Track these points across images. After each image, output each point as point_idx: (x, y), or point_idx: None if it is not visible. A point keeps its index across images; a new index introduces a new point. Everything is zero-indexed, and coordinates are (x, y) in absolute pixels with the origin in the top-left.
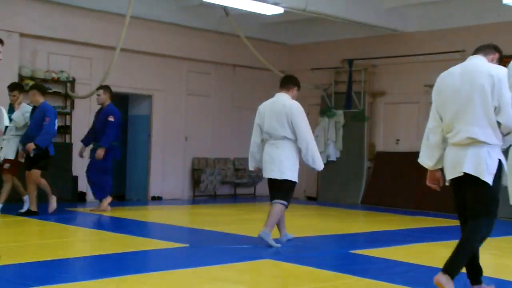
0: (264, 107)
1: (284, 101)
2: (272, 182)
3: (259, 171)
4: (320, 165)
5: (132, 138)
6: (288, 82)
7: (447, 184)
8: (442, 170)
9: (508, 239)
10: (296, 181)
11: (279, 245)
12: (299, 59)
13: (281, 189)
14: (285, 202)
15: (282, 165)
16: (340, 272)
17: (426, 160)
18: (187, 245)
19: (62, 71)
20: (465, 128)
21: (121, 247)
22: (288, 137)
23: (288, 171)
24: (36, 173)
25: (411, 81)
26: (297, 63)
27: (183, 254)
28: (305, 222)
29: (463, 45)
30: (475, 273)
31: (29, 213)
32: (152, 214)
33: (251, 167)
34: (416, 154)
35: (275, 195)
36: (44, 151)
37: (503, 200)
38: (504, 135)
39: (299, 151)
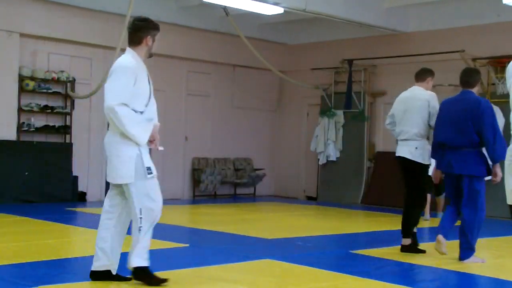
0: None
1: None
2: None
3: None
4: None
5: None
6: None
7: None
8: None
9: (508, 239)
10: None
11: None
12: (299, 59)
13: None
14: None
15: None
16: (340, 272)
17: None
18: (187, 245)
19: (62, 71)
20: None
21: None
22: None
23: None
24: None
25: (411, 81)
26: (297, 63)
27: (183, 254)
28: (305, 222)
29: (463, 45)
30: None
31: None
32: None
33: None
34: None
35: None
36: None
37: (502, 200)
38: None
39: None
